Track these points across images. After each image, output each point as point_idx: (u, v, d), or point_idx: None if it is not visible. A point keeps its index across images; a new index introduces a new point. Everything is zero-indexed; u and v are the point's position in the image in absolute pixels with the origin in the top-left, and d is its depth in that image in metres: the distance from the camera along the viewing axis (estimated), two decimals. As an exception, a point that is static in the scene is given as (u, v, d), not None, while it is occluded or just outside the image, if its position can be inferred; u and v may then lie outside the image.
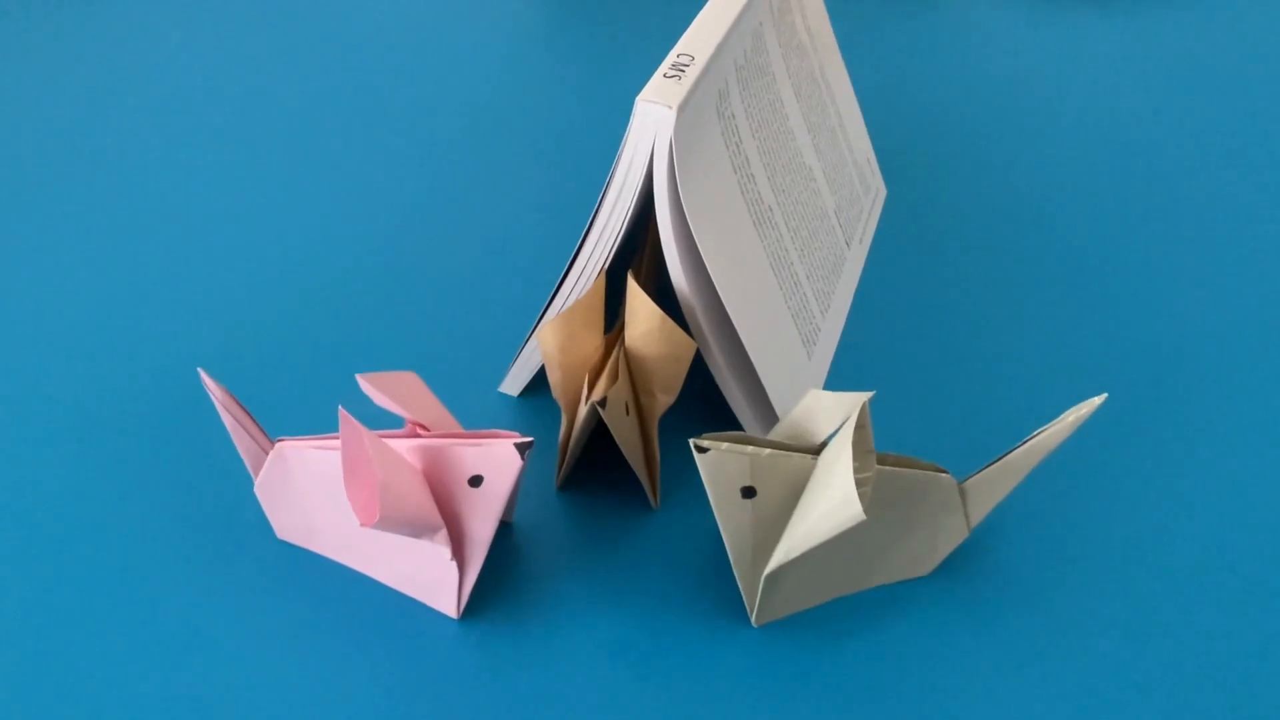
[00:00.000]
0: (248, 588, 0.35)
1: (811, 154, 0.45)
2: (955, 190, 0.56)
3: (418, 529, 0.30)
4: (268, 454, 0.34)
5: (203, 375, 0.33)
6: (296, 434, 0.40)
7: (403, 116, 0.60)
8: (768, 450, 0.31)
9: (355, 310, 0.46)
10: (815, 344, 0.42)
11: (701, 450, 0.30)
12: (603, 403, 0.31)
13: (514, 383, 0.42)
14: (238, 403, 0.33)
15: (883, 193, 0.55)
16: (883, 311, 0.47)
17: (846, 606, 0.35)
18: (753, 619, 0.34)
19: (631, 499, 0.38)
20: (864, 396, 0.31)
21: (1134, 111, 0.63)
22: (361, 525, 0.29)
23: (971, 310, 0.47)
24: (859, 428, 0.30)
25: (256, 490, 0.35)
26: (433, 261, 0.49)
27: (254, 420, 0.34)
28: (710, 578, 0.35)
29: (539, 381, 0.42)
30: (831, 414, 0.31)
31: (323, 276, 0.48)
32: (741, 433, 0.31)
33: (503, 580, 0.35)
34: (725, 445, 0.30)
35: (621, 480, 0.39)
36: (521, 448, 0.30)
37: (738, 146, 0.38)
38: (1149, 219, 0.54)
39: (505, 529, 0.37)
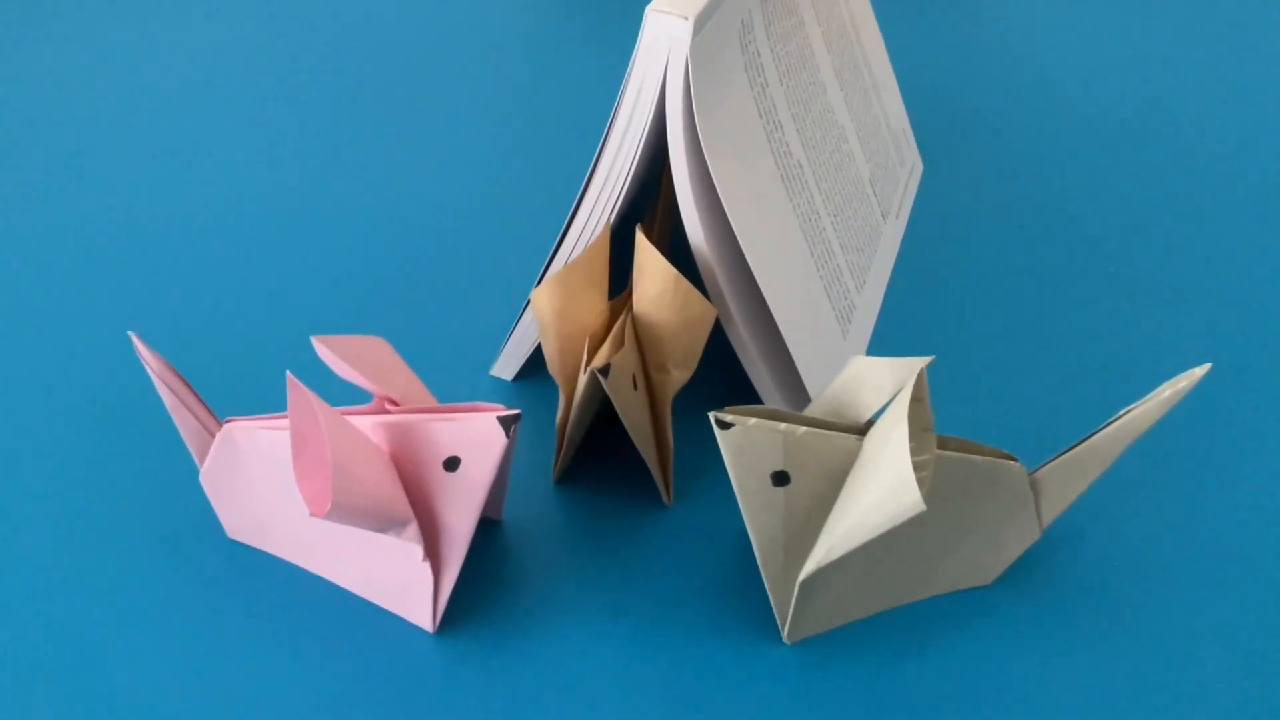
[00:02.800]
0: (191, 597, 0.29)
1: (844, 113, 0.41)
2: (995, 168, 0.51)
3: (381, 521, 0.25)
4: (215, 437, 0.29)
5: (135, 340, 0.28)
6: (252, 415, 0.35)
7: (393, 89, 0.55)
8: (803, 428, 0.25)
9: (326, 282, 0.41)
10: (851, 321, 0.37)
11: (724, 426, 0.25)
12: (605, 370, 0.26)
13: (507, 364, 0.37)
14: (178, 375, 0.28)
15: (919, 167, 0.50)
16: (923, 291, 0.42)
17: (895, 621, 0.29)
18: (785, 635, 0.28)
19: (641, 493, 0.33)
20: (920, 363, 0.25)
21: (1179, 89, 0.58)
22: (310, 515, 0.24)
23: (1020, 291, 0.42)
24: (915, 401, 0.25)
25: (202, 480, 0.30)
26: (416, 230, 0.44)
27: (197, 396, 0.29)
28: (734, 586, 0.30)
29: (537, 365, 0.37)
30: (881, 385, 0.26)
31: (288, 244, 0.43)
32: (772, 407, 0.26)
33: (489, 588, 0.30)
34: (753, 420, 0.25)
35: (629, 471, 0.33)
36: (506, 422, 0.25)
37: (763, 89, 0.33)
38: (1200, 194, 0.49)
39: (493, 528, 0.32)
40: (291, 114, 0.53)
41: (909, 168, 0.48)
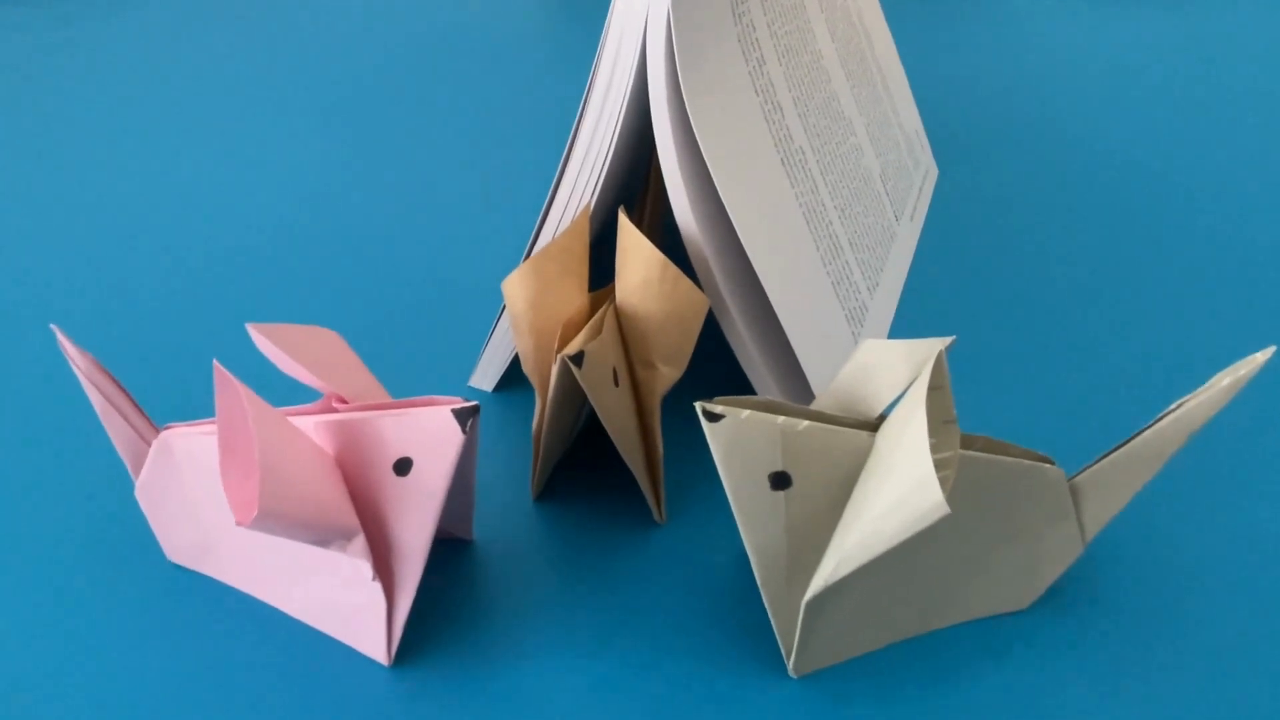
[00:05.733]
0: (124, 629, 0.26)
1: (851, 105, 0.38)
2: (1013, 174, 0.48)
3: (322, 533, 0.22)
4: (151, 446, 0.26)
5: (59, 335, 0.25)
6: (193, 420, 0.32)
7: (368, 87, 0.54)
8: (806, 422, 0.22)
9: (287, 284, 0.39)
10: (863, 324, 0.34)
11: (713, 418, 0.22)
12: (577, 359, 0.23)
13: (486, 373, 0.34)
14: (109, 375, 0.26)
15: (934, 172, 0.47)
16: (942, 296, 0.39)
17: (917, 652, 0.25)
18: (790, 667, 0.25)
19: (629, 510, 0.29)
20: (939, 344, 0.22)
21: (1200, 91, 0.55)
22: (237, 523, 0.21)
23: (1047, 296, 0.39)
24: (934, 389, 0.22)
25: (137, 494, 0.27)
26: (389, 231, 0.42)
27: (131, 400, 0.26)
28: (735, 612, 0.26)
29: (521, 375, 0.34)
30: (895, 371, 0.23)
31: (244, 241, 0.41)
32: (769, 399, 0.22)
33: (456, 615, 0.26)
34: (746, 413, 0.22)
35: (617, 486, 0.30)
36: (462, 415, 0.22)
37: (759, 65, 0.30)
38: (1221, 201, 0.45)
39: (463, 549, 0.28)
40: (263, 111, 0.51)
41: (923, 171, 0.46)
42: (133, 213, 0.44)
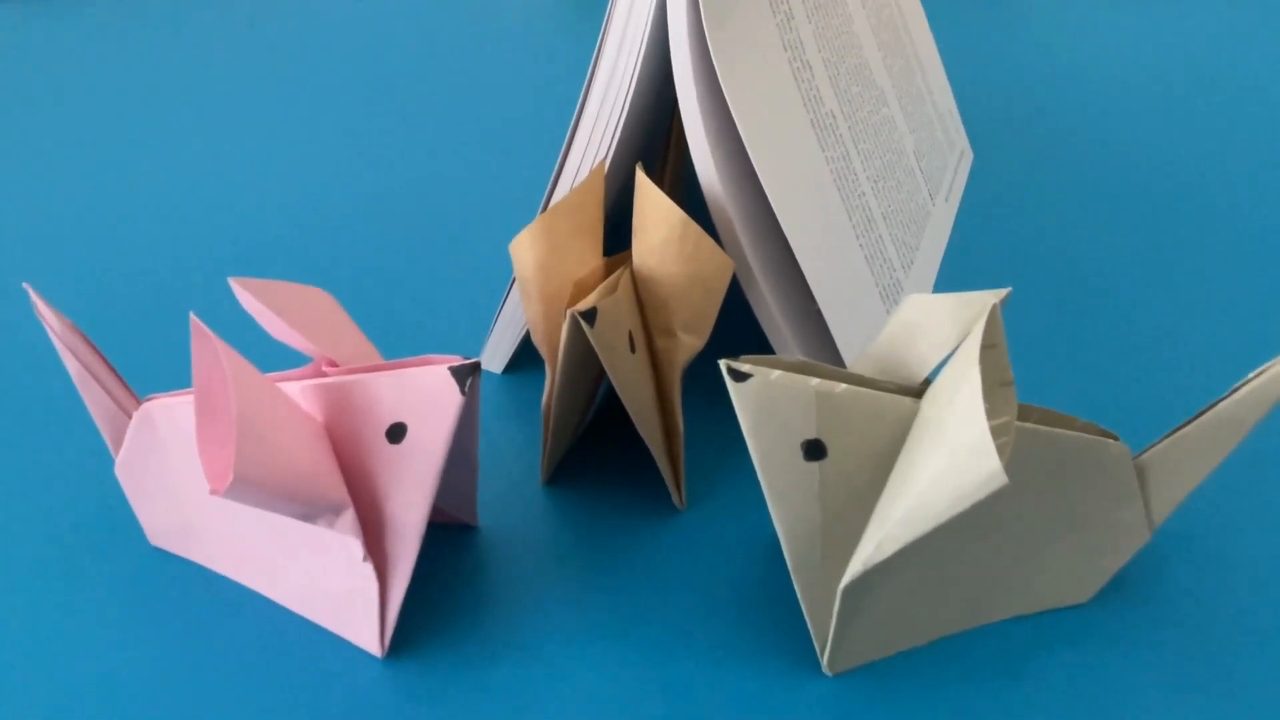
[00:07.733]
0: (103, 619, 0.24)
1: (884, 76, 0.36)
2: (1050, 162, 0.45)
3: (307, 506, 0.20)
4: (132, 418, 0.24)
5: (34, 297, 0.23)
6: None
7: (377, 67, 0.52)
8: (843, 385, 0.20)
9: (289, 258, 0.37)
10: (897, 302, 0.32)
11: (739, 377, 0.19)
12: (589, 316, 0.21)
13: (496, 353, 0.32)
14: (87, 341, 0.24)
15: (969, 155, 0.45)
16: (980, 280, 0.37)
17: (966, 649, 0.23)
18: (825, 664, 0.22)
19: (647, 495, 0.27)
20: (992, 297, 0.20)
21: (1236, 76, 0.53)
22: (211, 491, 0.19)
23: (1091, 279, 0.36)
24: (987, 348, 0.19)
25: (117, 472, 0.25)
26: (394, 203, 0.40)
27: (111, 369, 0.24)
28: (762, 605, 0.24)
29: (534, 355, 0.32)
30: (942, 329, 0.20)
31: (249, 215, 0.39)
32: (801, 359, 0.20)
33: (458, 607, 0.24)
34: (776, 373, 0.20)
35: (633, 469, 0.28)
36: (460, 374, 0.20)
37: (788, 19, 0.28)
38: (1263, 179, 0.43)
39: (467, 536, 0.26)
40: (261, 78, 0.50)
41: (958, 153, 0.43)
42: (120, 173, 0.43)
